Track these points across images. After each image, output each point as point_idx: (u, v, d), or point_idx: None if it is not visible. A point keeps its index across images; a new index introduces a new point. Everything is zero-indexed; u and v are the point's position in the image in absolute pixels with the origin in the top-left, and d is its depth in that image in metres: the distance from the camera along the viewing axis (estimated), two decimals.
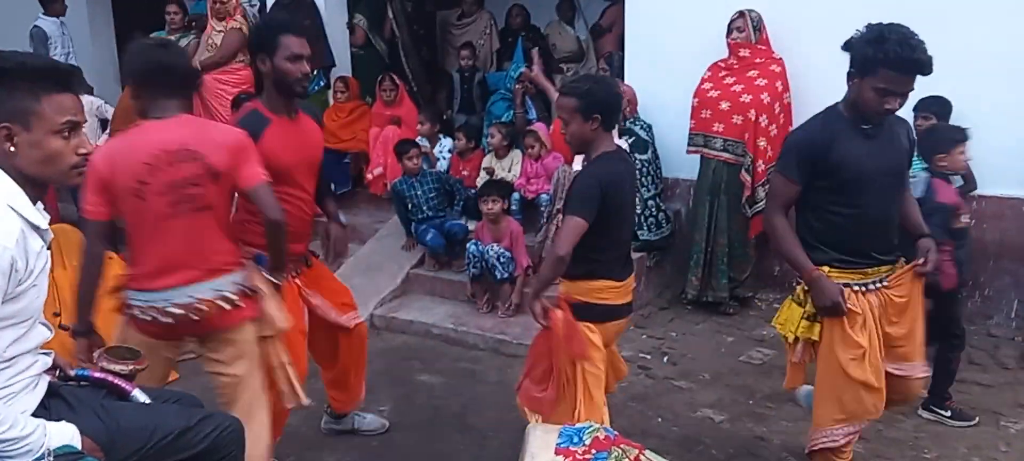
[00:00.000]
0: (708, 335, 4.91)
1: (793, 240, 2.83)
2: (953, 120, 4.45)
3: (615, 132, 5.27)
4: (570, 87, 2.92)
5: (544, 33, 7.45)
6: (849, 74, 2.74)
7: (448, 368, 4.65)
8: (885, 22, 2.70)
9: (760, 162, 4.87)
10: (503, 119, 6.42)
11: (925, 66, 2.55)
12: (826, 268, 2.79)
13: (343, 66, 7.09)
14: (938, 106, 4.43)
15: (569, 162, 5.59)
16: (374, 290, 5.56)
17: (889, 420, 3.75)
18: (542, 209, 5.50)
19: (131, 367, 2.32)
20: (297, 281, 3.17)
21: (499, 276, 5.16)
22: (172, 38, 6.64)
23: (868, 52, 2.60)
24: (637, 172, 5.27)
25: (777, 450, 3.57)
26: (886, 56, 2.55)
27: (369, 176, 6.57)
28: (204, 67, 6.29)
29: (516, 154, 5.95)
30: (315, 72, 6.80)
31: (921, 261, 2.85)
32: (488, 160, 6.03)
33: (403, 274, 5.69)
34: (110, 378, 2.25)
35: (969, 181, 4.47)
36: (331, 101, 6.89)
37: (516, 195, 5.64)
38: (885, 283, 2.84)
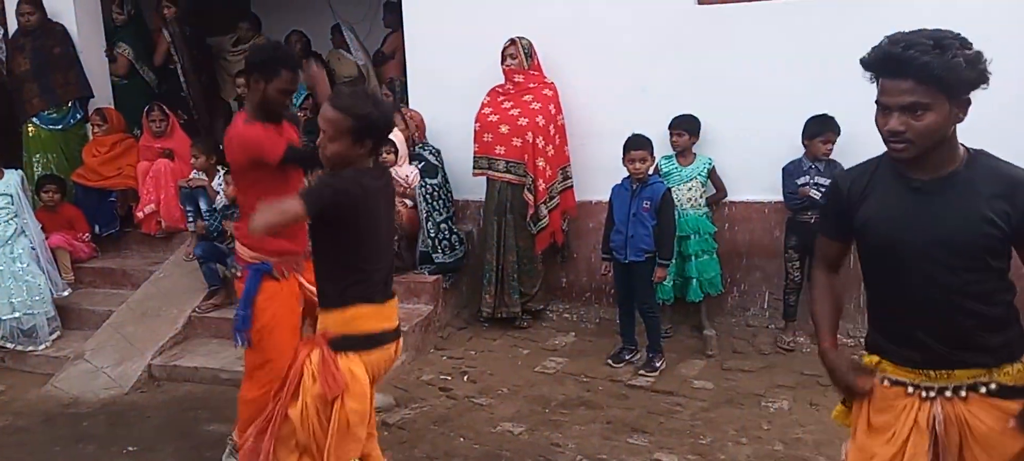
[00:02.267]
0: (505, 350, 5.05)
1: (821, 301, 2.25)
2: (704, 136, 4.98)
3: (403, 161, 5.35)
4: (345, 103, 2.59)
5: (325, 60, 7.34)
6: None
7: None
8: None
9: (540, 181, 5.11)
10: None
11: (899, 62, 1.85)
12: (877, 357, 2.13)
13: (103, 97, 6.52)
14: (689, 123, 4.93)
15: None
16: (151, 337, 5.13)
17: (668, 411, 4.08)
18: None
19: None
20: (299, 277, 3.49)
21: None
22: None
23: (865, 61, 1.96)
24: (429, 196, 5.33)
25: (573, 454, 3.74)
26: (872, 59, 1.94)
27: (140, 214, 6.07)
28: None
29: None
30: (70, 104, 6.23)
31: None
32: None
33: (184, 318, 5.29)
34: None
35: (721, 190, 5.01)
36: (90, 135, 6.30)
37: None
38: (962, 395, 2.01)
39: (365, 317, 2.65)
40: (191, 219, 5.68)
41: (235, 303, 5.31)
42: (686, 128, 4.93)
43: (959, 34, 1.86)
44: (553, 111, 5.23)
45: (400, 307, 5.04)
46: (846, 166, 4.47)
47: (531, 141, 5.07)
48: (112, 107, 6.48)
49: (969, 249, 1.93)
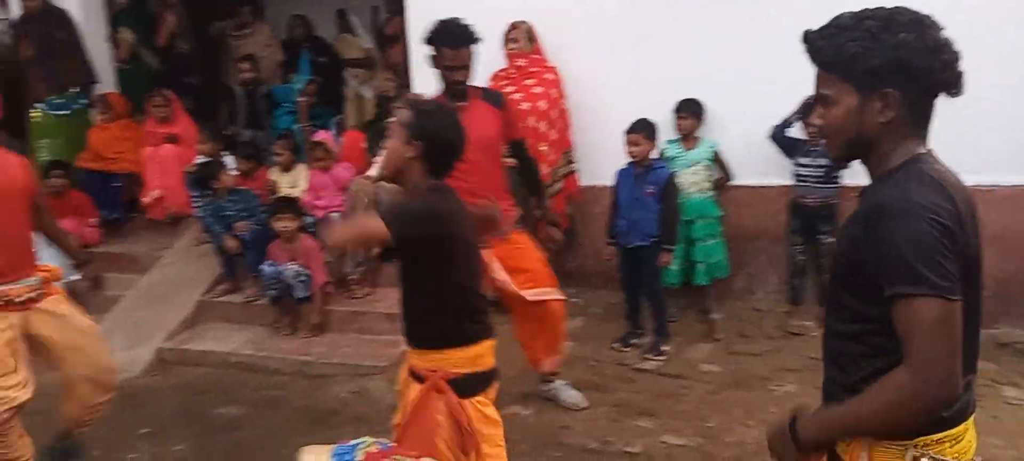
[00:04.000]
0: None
1: None
2: (709, 120, 4.99)
3: None
4: (411, 100, 2.47)
5: (329, 43, 7.34)
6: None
7: (249, 397, 4.43)
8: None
9: (543, 166, 5.11)
10: (286, 133, 6.24)
11: (806, 46, 1.62)
12: None
13: (107, 82, 6.52)
14: (693, 107, 4.93)
15: (362, 173, 5.55)
16: (161, 322, 5.17)
17: (676, 394, 4.12)
18: None
19: None
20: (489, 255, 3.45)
21: (299, 296, 5.01)
22: None
23: None
24: None
25: (580, 436, 3.78)
26: None
27: (146, 200, 6.09)
28: None
29: (301, 168, 5.79)
30: (74, 90, 6.23)
31: None
32: (273, 174, 5.82)
33: (193, 302, 5.34)
34: None
35: (726, 172, 5.02)
36: (95, 121, 6.31)
37: (309, 218, 5.49)
38: None
39: (487, 354, 2.43)
40: (199, 205, 5.70)
41: (242, 289, 5.38)
42: (690, 112, 4.94)
43: (903, 10, 1.53)
44: (556, 95, 5.22)
45: None
46: None
47: (533, 125, 5.07)
48: (116, 92, 6.48)
49: (837, 270, 1.65)
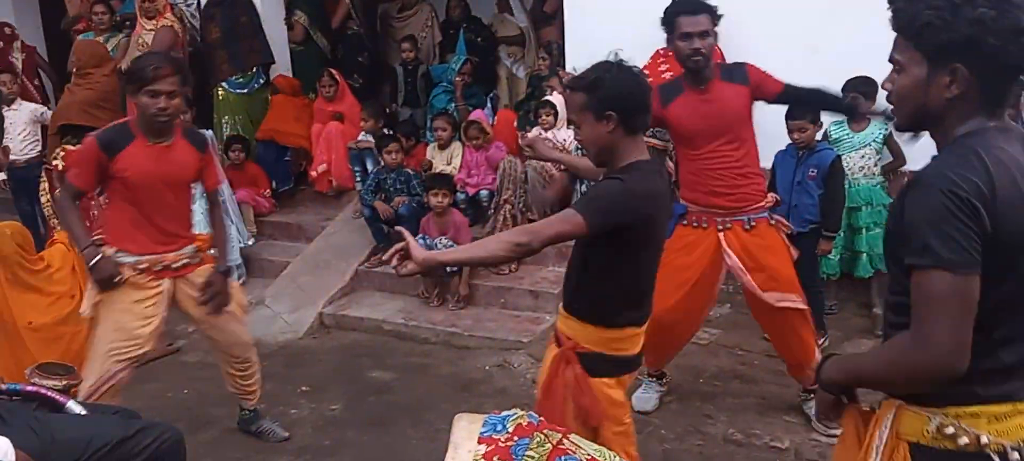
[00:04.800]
0: None
1: None
2: (881, 100, 4.61)
3: (562, 125, 5.31)
4: (575, 80, 2.32)
5: (486, 23, 7.46)
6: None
7: (400, 363, 4.64)
8: None
9: None
10: (445, 111, 6.42)
11: (889, 5, 1.56)
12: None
13: (282, 63, 6.98)
14: (864, 86, 4.57)
15: (514, 153, 5.62)
16: (322, 288, 5.51)
17: None
18: (485, 204, 5.53)
19: (64, 382, 2.30)
20: (722, 234, 3.43)
21: (448, 269, 5.16)
22: (99, 39, 6.46)
23: None
24: None
25: (724, 426, 3.66)
26: None
27: (313, 173, 6.49)
28: None
29: (457, 146, 5.95)
30: (254, 70, 6.71)
31: None
32: (431, 151, 6.02)
33: (351, 271, 5.65)
34: (43, 391, 2.22)
35: (898, 156, 4.65)
36: (270, 98, 6.78)
37: (461, 195, 5.64)
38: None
39: (629, 340, 2.32)
40: (359, 179, 6.01)
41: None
42: (860, 91, 4.57)
43: None
44: None
45: (553, 270, 5.13)
46: None
47: None
48: (289, 75, 6.91)
49: (884, 244, 1.65)
